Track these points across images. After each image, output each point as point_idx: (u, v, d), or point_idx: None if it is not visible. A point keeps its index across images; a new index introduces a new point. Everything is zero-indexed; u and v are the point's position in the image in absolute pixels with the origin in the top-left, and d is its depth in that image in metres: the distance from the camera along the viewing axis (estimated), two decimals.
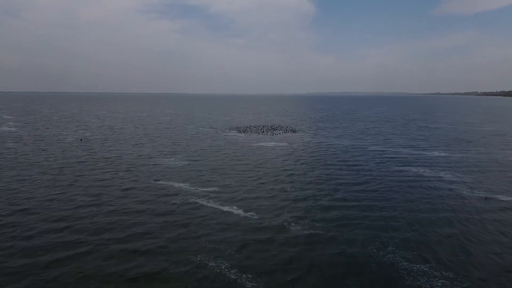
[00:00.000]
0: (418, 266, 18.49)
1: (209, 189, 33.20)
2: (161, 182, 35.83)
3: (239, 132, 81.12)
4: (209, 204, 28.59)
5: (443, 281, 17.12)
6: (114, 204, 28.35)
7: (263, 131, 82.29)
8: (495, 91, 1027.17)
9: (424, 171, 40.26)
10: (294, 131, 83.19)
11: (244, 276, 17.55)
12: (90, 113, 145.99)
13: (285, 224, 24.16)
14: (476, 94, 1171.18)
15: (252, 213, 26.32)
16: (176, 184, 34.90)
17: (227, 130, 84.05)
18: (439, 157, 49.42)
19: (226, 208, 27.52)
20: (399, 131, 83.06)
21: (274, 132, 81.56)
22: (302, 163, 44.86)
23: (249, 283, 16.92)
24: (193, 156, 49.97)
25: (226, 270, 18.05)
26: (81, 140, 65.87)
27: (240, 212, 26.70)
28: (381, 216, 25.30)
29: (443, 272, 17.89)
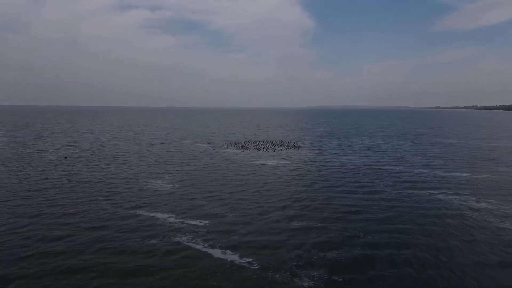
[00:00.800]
0: None
1: (200, 223, 27.04)
2: (143, 213, 29.67)
3: (238, 148, 75.15)
4: (199, 248, 22.40)
5: None
6: (78, 252, 22.04)
7: (264, 147, 76.37)
8: (495, 105, 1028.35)
9: (456, 199, 34.06)
10: (297, 147, 77.29)
11: None
12: (84, 127, 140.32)
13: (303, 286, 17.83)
14: (476, 108, 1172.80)
15: (255, 265, 20.06)
16: (161, 216, 28.74)
17: (225, 146, 78.08)
18: (466, 180, 43.25)
19: (219, 256, 21.30)
20: (411, 148, 77.04)
21: (276, 148, 75.65)
22: (312, 189, 38.67)
23: None
24: (185, 178, 43.81)
25: None
26: (65, 158, 59.84)
27: (238, 261, 20.47)
28: (441, 275, 18.85)
29: None
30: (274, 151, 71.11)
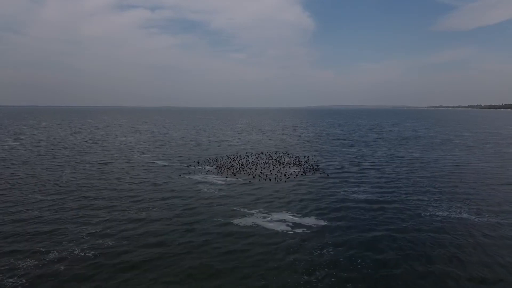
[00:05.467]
0: None
1: None
2: None
3: (218, 172, 43.83)
4: None
5: None
6: None
7: (262, 171, 44.97)
8: (501, 104, 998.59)
9: None
10: (315, 169, 46.23)
11: None
12: (33, 131, 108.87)
13: None
14: (480, 107, 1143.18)
15: None
16: None
17: (198, 168, 46.85)
18: None
19: None
20: None
21: (282, 172, 44.53)
22: None
23: None
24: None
25: None
26: None
27: None
28: None
29: None
30: (279, 180, 39.67)
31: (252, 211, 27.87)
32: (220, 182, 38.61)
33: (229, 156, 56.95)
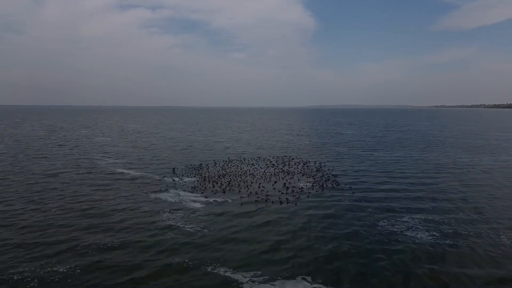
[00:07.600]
0: None
1: None
2: None
3: (201, 188, 31.51)
4: None
5: None
6: None
7: (261, 185, 32.56)
8: (505, 103, 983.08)
9: None
10: (334, 182, 33.92)
11: None
12: (9, 130, 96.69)
13: None
14: (484, 106, 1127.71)
15: None
16: None
17: (175, 182, 34.31)
18: None
19: None
20: None
21: (287, 182, 32.50)
22: None
23: None
24: None
25: None
26: None
27: None
28: None
29: None
30: (287, 201, 27.17)
31: (241, 278, 15.34)
32: (199, 206, 26.15)
33: (217, 163, 44.48)
